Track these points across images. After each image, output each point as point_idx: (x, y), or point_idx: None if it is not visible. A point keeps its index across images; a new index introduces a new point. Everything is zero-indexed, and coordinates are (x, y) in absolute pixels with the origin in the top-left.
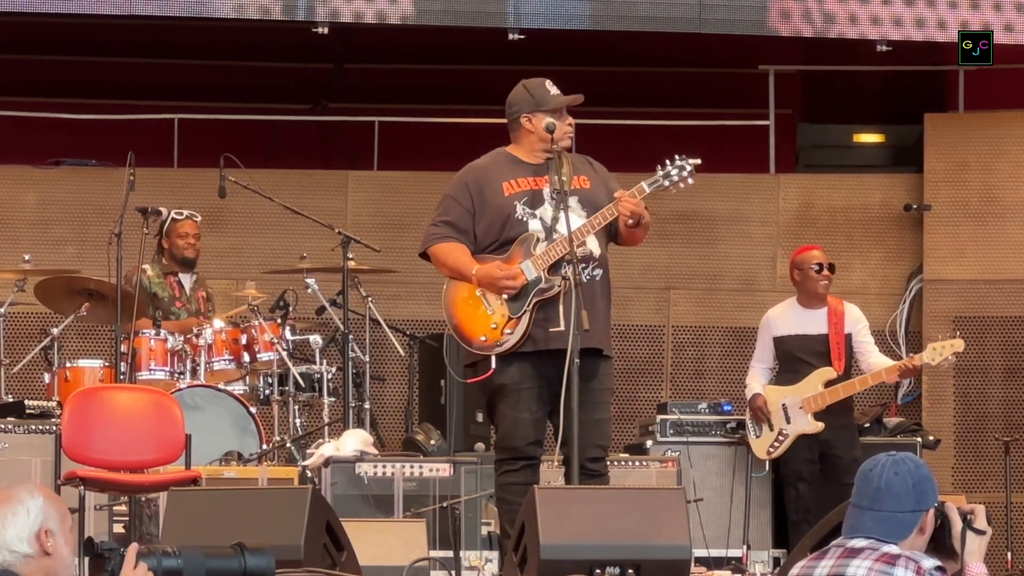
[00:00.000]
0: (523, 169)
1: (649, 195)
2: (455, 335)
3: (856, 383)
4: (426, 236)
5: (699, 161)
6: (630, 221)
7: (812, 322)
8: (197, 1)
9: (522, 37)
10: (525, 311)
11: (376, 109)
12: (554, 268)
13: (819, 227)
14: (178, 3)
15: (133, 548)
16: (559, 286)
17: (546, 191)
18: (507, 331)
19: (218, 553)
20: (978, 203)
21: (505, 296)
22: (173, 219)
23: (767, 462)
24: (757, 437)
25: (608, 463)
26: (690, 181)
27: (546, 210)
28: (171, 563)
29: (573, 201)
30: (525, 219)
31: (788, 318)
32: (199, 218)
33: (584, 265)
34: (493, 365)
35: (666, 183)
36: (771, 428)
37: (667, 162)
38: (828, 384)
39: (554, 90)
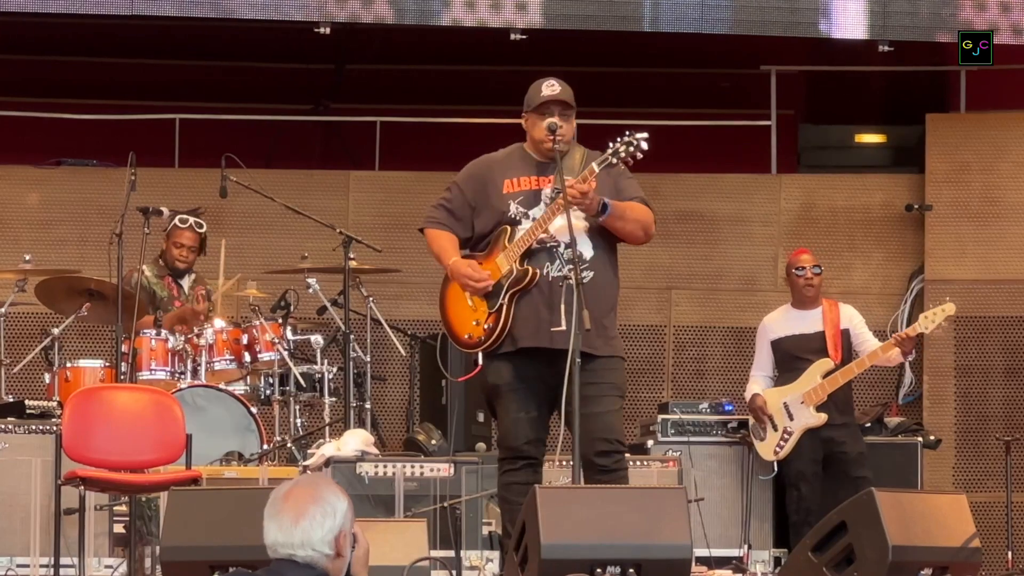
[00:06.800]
0: (530, 167)
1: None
2: (447, 332)
3: (854, 366)
4: (426, 215)
5: (646, 135)
6: (576, 207)
7: (807, 322)
8: (198, 1)
9: (523, 37)
10: (501, 304)
11: (377, 109)
12: (528, 259)
13: (820, 227)
14: (179, 3)
15: None
16: (530, 275)
17: (545, 191)
18: (486, 326)
19: None
20: (979, 203)
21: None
22: (175, 225)
23: (775, 463)
24: (762, 440)
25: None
26: (642, 150)
27: (540, 210)
28: None
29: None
30: (518, 218)
31: (784, 321)
32: (203, 227)
33: (572, 266)
34: (480, 362)
35: (614, 160)
36: (775, 428)
37: (617, 139)
38: (827, 375)
39: (548, 90)
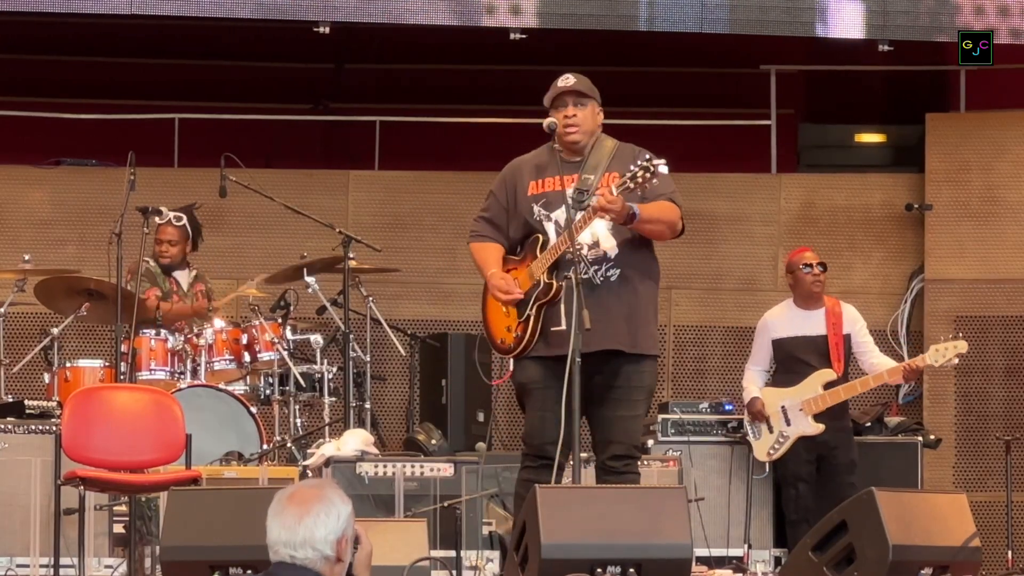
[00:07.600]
0: (555, 167)
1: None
2: (486, 336)
3: (857, 384)
4: (470, 228)
5: (664, 161)
6: (606, 217)
7: (810, 323)
8: (198, 1)
9: (523, 37)
10: (528, 315)
11: (377, 109)
12: (555, 270)
13: (820, 227)
14: (179, 2)
15: None
16: (555, 288)
17: (568, 192)
18: (516, 334)
19: None
20: (979, 203)
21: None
22: (157, 222)
23: (767, 464)
24: (757, 439)
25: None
26: (656, 178)
27: (562, 213)
28: None
29: (593, 202)
30: (541, 220)
31: (786, 320)
32: (183, 220)
33: (597, 266)
34: (511, 368)
35: (631, 184)
36: (771, 430)
37: (638, 162)
38: (828, 386)
39: (563, 82)
